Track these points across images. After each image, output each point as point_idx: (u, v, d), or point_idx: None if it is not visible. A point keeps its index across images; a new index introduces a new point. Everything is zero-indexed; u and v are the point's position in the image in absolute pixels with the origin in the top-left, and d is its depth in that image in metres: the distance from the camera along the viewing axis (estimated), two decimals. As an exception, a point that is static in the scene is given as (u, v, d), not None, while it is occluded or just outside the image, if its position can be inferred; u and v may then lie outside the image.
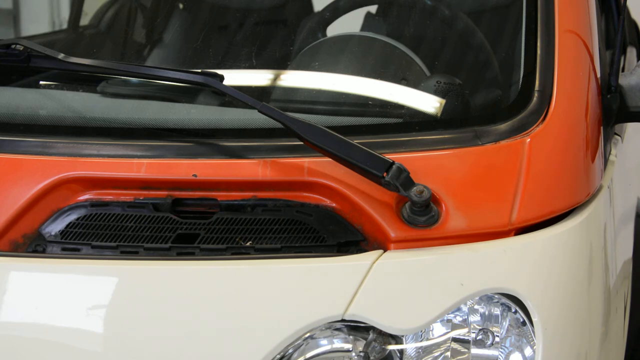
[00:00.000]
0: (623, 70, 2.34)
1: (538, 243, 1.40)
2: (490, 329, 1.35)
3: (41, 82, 1.85)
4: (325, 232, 1.42)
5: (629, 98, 1.76)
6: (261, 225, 1.44)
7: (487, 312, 1.36)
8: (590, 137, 1.58)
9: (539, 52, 1.65)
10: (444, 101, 1.68)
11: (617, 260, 1.80)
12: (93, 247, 1.44)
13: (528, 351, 1.34)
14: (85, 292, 1.37)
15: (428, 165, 1.44)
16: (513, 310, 1.36)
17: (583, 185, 1.52)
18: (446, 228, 1.39)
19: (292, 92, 1.87)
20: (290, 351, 1.31)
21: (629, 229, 2.12)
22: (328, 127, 1.40)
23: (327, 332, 1.33)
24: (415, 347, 1.33)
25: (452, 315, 1.35)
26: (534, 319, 1.34)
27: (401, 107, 1.71)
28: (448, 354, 1.33)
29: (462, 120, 1.64)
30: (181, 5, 2.51)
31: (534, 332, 1.34)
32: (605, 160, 1.74)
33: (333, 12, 2.28)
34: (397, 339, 1.33)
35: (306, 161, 1.45)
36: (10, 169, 1.52)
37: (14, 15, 4.69)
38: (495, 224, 1.40)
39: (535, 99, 1.57)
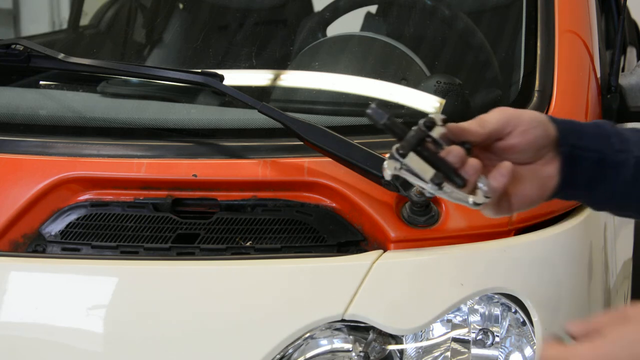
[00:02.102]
0: (623, 70, 2.34)
1: (538, 243, 1.40)
2: (490, 329, 1.35)
3: (41, 82, 1.85)
4: (325, 232, 1.42)
5: (629, 98, 1.76)
6: (261, 225, 1.44)
7: (487, 312, 1.36)
8: (590, 137, 1.58)
9: (539, 52, 1.65)
10: (444, 101, 1.68)
11: (617, 260, 1.80)
12: (93, 247, 1.44)
13: (528, 351, 1.34)
14: (85, 292, 1.36)
15: (428, 165, 1.43)
16: (513, 310, 1.36)
17: (583, 185, 1.52)
18: (446, 228, 1.39)
19: (292, 92, 1.87)
20: (290, 351, 1.31)
21: (629, 229, 2.12)
22: (328, 127, 1.40)
23: (327, 332, 1.33)
24: (415, 347, 1.33)
25: (452, 315, 1.35)
26: (534, 319, 1.34)
27: (401, 107, 1.71)
28: (448, 354, 1.33)
29: (462, 120, 1.64)
30: (181, 5, 2.51)
31: (534, 332, 1.34)
32: (606, 160, 1.73)
33: (333, 12, 2.28)
34: (397, 339, 1.33)
35: (306, 161, 1.45)
36: (10, 169, 1.52)
37: (14, 15, 4.69)
38: (495, 224, 1.40)
39: (535, 99, 1.57)
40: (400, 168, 1.04)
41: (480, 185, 1.07)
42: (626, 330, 0.94)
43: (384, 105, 1.70)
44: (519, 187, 1.11)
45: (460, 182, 1.06)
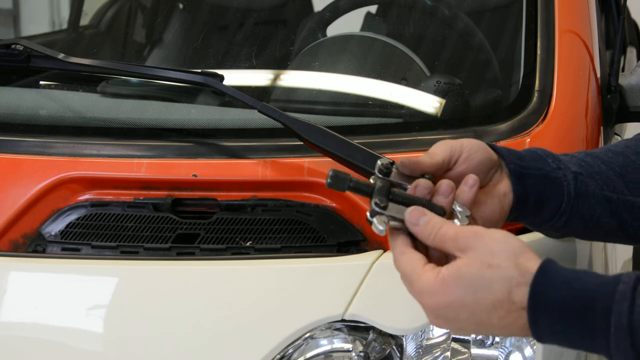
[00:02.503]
0: (623, 70, 2.34)
1: (538, 242, 1.40)
2: (490, 328, 1.35)
3: (41, 82, 1.85)
4: (325, 232, 1.42)
5: (629, 98, 1.76)
6: (261, 225, 1.44)
7: (487, 312, 1.35)
8: (590, 137, 1.58)
9: (539, 52, 1.65)
10: (444, 101, 1.68)
11: (617, 260, 1.80)
12: (93, 247, 1.44)
13: (528, 351, 1.34)
14: (85, 292, 1.36)
15: (428, 165, 1.43)
16: (513, 310, 1.35)
17: (583, 185, 1.52)
18: (446, 228, 1.39)
19: (292, 92, 1.87)
20: (290, 351, 1.31)
21: (629, 229, 2.11)
22: (328, 127, 1.39)
23: (327, 332, 1.33)
24: (415, 347, 1.33)
25: (452, 315, 1.35)
26: (534, 319, 1.33)
27: (401, 107, 1.71)
28: (448, 354, 1.33)
29: (462, 120, 1.64)
30: (181, 5, 2.51)
31: (534, 332, 1.33)
32: (605, 160, 1.73)
33: (333, 12, 2.28)
34: (397, 339, 1.33)
35: (306, 161, 1.45)
36: (10, 169, 1.52)
37: (14, 15, 4.70)
38: (495, 224, 1.40)
39: (535, 99, 1.57)
40: (389, 221, 1.04)
41: (455, 208, 1.07)
42: (473, 262, 0.97)
43: (384, 105, 1.71)
44: (481, 210, 1.13)
45: (441, 211, 1.06)
